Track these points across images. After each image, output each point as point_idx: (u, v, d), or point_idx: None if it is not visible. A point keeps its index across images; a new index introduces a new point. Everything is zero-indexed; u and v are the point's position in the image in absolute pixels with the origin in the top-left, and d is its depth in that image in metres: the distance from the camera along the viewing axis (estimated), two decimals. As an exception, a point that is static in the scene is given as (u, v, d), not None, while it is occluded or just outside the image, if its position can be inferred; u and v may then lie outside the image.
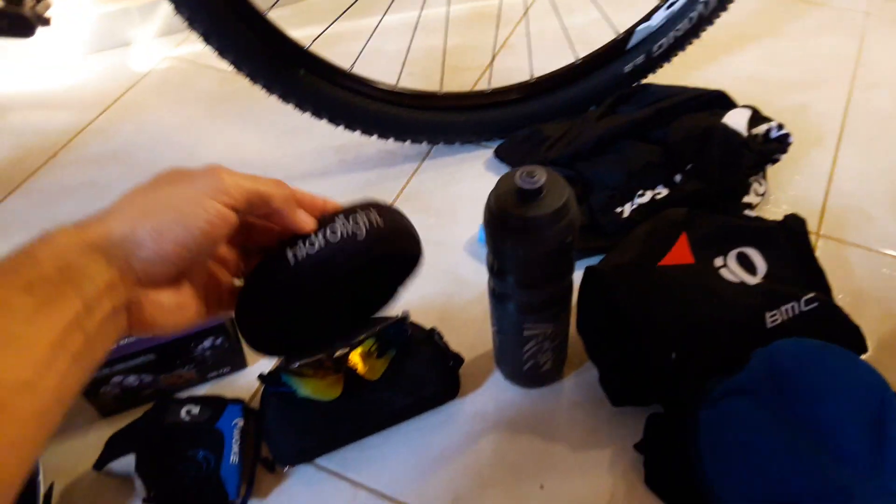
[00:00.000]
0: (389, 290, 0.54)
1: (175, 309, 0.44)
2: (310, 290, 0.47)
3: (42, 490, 0.71)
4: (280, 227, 0.47)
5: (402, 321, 0.77)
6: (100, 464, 0.72)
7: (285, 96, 0.94)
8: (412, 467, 0.74)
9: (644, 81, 1.08)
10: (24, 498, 0.68)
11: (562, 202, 0.58)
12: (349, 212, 0.48)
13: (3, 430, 0.31)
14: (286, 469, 0.74)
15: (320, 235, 0.47)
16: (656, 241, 0.78)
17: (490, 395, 0.79)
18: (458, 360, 0.78)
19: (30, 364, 0.33)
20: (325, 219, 0.48)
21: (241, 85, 1.17)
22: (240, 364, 0.83)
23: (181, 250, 0.41)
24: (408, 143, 1.05)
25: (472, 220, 0.96)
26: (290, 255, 0.46)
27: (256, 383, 0.81)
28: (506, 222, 0.59)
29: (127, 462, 0.71)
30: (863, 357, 0.69)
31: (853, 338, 0.74)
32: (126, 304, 0.40)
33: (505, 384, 0.80)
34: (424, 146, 1.07)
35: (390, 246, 0.48)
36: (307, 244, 0.47)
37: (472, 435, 0.76)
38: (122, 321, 0.40)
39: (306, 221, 0.47)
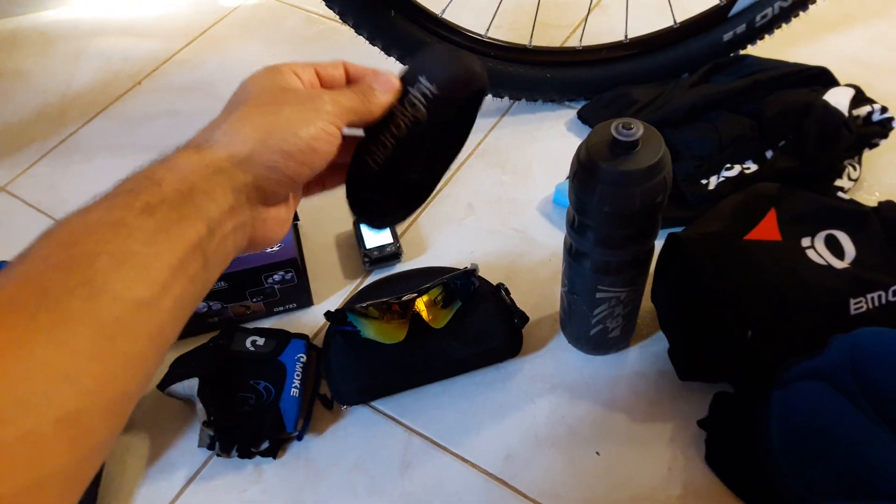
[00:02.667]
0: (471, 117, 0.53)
1: (284, 222, 0.45)
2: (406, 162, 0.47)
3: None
4: None
5: (471, 273, 0.76)
6: (163, 384, 0.74)
7: (373, 37, 0.93)
8: (468, 420, 0.74)
9: (742, 52, 1.03)
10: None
11: (657, 158, 0.56)
12: (403, 94, 0.47)
13: (123, 347, 0.32)
14: (344, 408, 0.75)
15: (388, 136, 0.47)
16: (744, 214, 0.75)
17: (552, 357, 0.78)
18: (523, 317, 0.76)
19: (148, 284, 0.33)
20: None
21: (328, 27, 1.16)
22: (306, 302, 0.83)
23: (306, 171, 0.42)
24: (489, 96, 1.02)
25: (548, 180, 0.94)
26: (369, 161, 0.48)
27: (320, 322, 0.82)
28: (595, 174, 0.57)
29: (190, 385, 0.73)
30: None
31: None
32: (245, 224, 0.41)
33: (568, 348, 0.78)
34: (506, 101, 1.05)
35: (453, 106, 0.47)
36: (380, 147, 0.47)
37: (531, 394, 0.75)
38: (242, 241, 0.41)
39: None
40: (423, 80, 0.47)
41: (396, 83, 0.47)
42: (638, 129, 0.56)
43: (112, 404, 0.32)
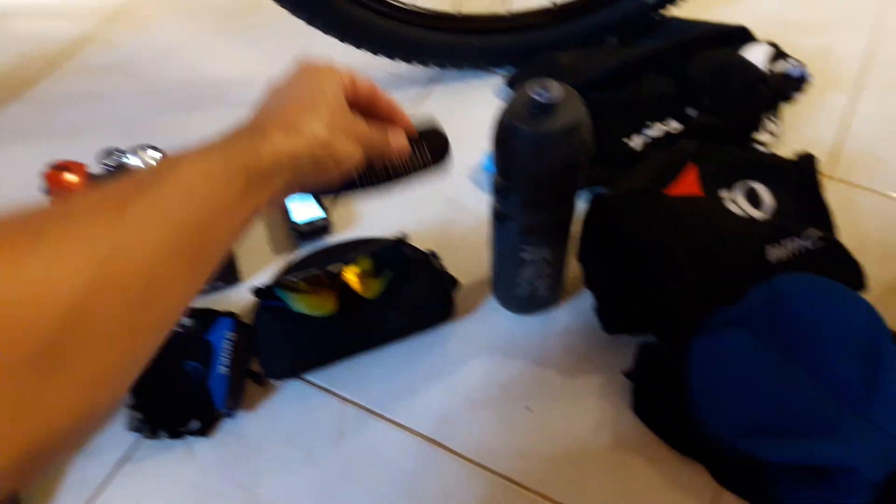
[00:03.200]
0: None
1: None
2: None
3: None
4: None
5: (400, 243, 0.76)
6: (90, 368, 0.72)
7: (296, 9, 0.91)
8: (402, 386, 0.74)
9: (667, 14, 1.04)
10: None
11: (575, 119, 0.56)
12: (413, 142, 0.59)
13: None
14: (276, 383, 0.75)
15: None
16: (666, 171, 0.76)
17: (484, 320, 0.79)
18: (454, 282, 0.77)
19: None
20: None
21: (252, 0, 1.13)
22: (233, 279, 0.82)
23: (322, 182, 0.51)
24: (417, 66, 1.02)
25: (478, 148, 0.93)
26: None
27: (249, 299, 0.81)
28: (515, 136, 0.57)
29: (117, 367, 0.71)
30: (861, 295, 0.68)
31: (854, 276, 0.73)
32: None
33: (499, 309, 0.79)
34: (433, 71, 1.04)
35: (433, 170, 0.61)
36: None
37: (464, 357, 0.76)
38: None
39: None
40: (425, 147, 0.59)
41: (407, 145, 0.57)
42: (555, 89, 0.56)
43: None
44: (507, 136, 0.59)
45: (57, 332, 0.31)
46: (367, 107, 0.55)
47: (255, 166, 0.43)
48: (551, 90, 0.56)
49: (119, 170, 0.77)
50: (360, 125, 0.52)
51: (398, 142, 0.56)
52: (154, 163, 0.77)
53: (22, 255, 0.31)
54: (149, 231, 0.36)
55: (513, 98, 0.59)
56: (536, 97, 0.56)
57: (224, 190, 0.41)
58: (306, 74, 0.52)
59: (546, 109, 0.57)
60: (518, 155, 0.59)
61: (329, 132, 0.48)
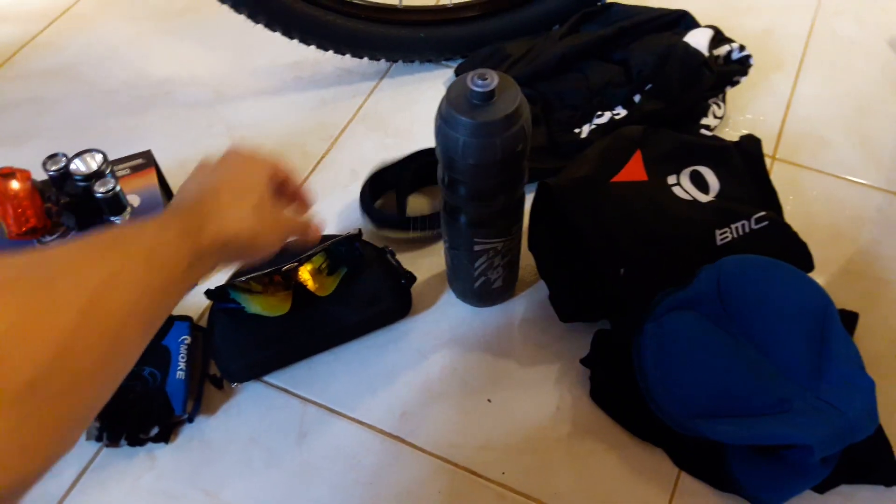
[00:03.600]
0: None
1: None
2: None
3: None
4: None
5: (354, 238, 0.76)
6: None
7: (237, 5, 0.90)
8: (362, 383, 0.74)
9: (608, 0, 1.05)
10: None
11: (514, 107, 0.57)
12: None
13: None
14: (235, 386, 0.74)
15: None
16: (611, 157, 0.77)
17: (441, 314, 0.79)
18: (410, 277, 0.77)
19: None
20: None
21: (192, -1, 1.11)
22: (189, 282, 0.81)
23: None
24: (365, 60, 1.02)
25: (429, 141, 0.93)
26: None
27: (204, 302, 0.80)
28: (456, 127, 0.57)
29: (72, 378, 0.70)
30: (809, 275, 0.70)
31: (801, 256, 0.75)
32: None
33: (457, 303, 0.80)
34: (383, 64, 1.04)
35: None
36: None
37: (423, 352, 0.76)
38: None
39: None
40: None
41: (319, 231, 0.62)
42: (493, 79, 0.57)
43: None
44: (447, 128, 0.59)
45: (45, 369, 0.34)
46: (283, 188, 0.60)
47: (197, 247, 0.47)
48: (489, 79, 0.57)
49: (64, 176, 0.76)
50: (282, 216, 0.58)
51: (314, 230, 0.62)
52: (97, 167, 0.76)
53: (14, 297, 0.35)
54: (118, 288, 0.39)
55: (450, 89, 0.59)
56: (474, 87, 0.57)
57: (177, 262, 0.45)
58: (238, 162, 0.56)
59: (485, 99, 0.57)
60: (460, 146, 0.59)
61: (258, 223, 0.53)
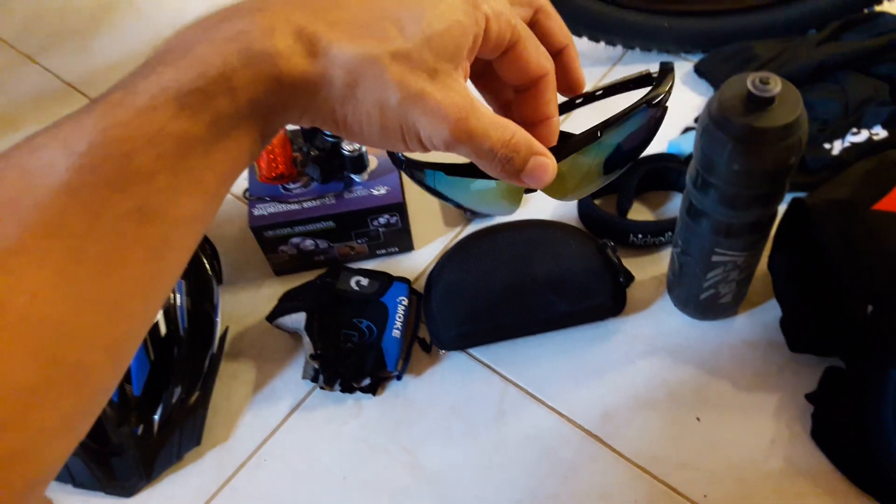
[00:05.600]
0: None
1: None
2: None
3: (219, 331, 0.76)
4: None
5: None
6: (272, 316, 0.76)
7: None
8: (565, 375, 0.74)
9: (877, 8, 0.96)
10: (204, 337, 0.74)
11: (794, 117, 0.53)
12: None
13: (169, 264, 0.31)
14: (442, 353, 0.76)
15: None
16: (874, 182, 0.70)
17: (655, 319, 0.76)
18: (628, 276, 0.75)
19: (200, 198, 0.30)
20: None
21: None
22: (407, 246, 0.84)
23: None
24: (601, 44, 0.99)
25: (660, 136, 0.90)
26: None
27: (421, 266, 0.83)
28: (727, 129, 0.54)
29: (297, 319, 0.75)
30: None
31: None
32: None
33: (672, 311, 0.77)
34: (618, 50, 1.01)
35: None
36: None
37: (631, 355, 0.74)
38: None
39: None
40: None
41: (546, 179, 0.37)
42: (776, 84, 0.54)
43: (153, 318, 0.32)
44: (716, 129, 0.56)
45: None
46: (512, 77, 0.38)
47: (233, 109, 0.30)
48: (772, 84, 0.53)
49: (315, 129, 0.80)
50: (469, 95, 0.34)
51: (541, 171, 0.37)
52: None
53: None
54: None
55: (725, 88, 0.56)
56: (755, 91, 0.53)
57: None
58: None
59: (764, 104, 0.54)
60: (727, 150, 0.56)
61: (428, 54, 0.32)
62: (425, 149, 0.35)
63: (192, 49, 0.30)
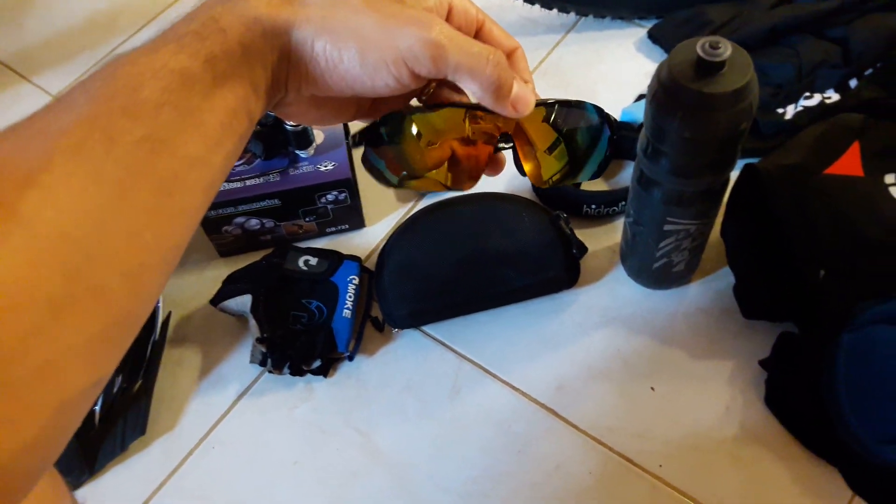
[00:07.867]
0: None
1: (319, 118, 0.43)
2: None
3: (161, 317, 0.73)
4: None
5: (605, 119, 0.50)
6: (216, 300, 0.74)
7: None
8: (519, 349, 0.73)
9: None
10: (145, 323, 0.71)
11: (744, 81, 0.52)
12: None
13: (179, 203, 0.32)
14: (395, 331, 0.74)
15: None
16: (825, 146, 0.70)
17: (609, 290, 0.76)
18: (581, 248, 0.74)
19: (204, 141, 0.33)
20: None
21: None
22: (358, 223, 0.82)
23: (351, 95, 0.39)
24: (554, 11, 0.97)
25: (613, 103, 0.89)
26: None
27: (372, 244, 0.81)
28: (677, 96, 0.53)
29: (242, 301, 0.72)
30: None
31: None
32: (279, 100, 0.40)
33: (626, 281, 0.76)
34: (572, 17, 0.99)
35: None
36: None
37: (585, 327, 0.73)
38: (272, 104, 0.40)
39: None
40: None
41: (531, 104, 0.42)
42: (726, 48, 0.52)
43: (168, 256, 0.33)
44: (666, 96, 0.54)
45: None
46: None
47: (224, 48, 0.34)
48: (722, 48, 0.52)
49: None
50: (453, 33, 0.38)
51: (524, 100, 0.41)
52: None
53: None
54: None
55: (675, 53, 0.54)
56: (705, 55, 0.52)
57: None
58: None
59: (714, 69, 0.52)
60: (678, 117, 0.54)
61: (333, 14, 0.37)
62: (410, 73, 0.37)
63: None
